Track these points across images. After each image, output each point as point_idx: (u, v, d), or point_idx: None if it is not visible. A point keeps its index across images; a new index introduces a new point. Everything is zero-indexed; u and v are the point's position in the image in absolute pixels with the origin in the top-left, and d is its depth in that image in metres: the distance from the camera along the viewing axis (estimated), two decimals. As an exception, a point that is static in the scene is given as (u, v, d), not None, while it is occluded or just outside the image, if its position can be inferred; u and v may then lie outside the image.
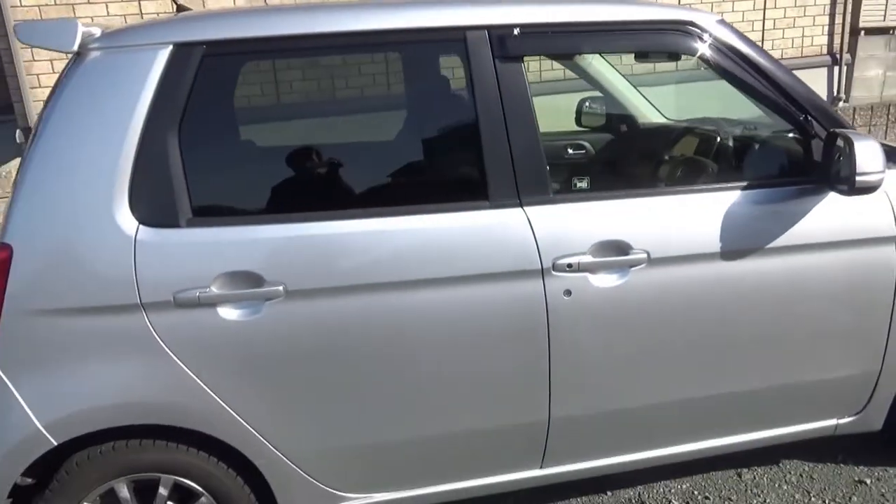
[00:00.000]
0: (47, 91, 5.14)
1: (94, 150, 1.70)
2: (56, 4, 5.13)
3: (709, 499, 2.37)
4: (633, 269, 1.95)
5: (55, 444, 1.77)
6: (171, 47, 1.72)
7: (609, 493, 2.42)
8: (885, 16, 7.55)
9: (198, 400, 1.81)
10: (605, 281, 1.94)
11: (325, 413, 1.90)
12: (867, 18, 7.42)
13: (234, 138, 1.99)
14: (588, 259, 1.92)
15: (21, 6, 5.03)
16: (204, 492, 1.91)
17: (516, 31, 1.85)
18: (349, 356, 1.86)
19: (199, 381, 1.80)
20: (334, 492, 1.99)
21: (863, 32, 7.46)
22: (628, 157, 2.54)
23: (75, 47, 1.69)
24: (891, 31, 7.72)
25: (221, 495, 1.93)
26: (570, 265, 1.91)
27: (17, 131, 5.51)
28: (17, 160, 5.35)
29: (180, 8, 2.18)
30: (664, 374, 2.06)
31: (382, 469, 2.02)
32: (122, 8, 5.29)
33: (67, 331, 1.74)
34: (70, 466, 1.82)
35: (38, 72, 5.34)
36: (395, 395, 1.92)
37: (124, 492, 1.87)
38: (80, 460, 1.82)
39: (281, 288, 1.78)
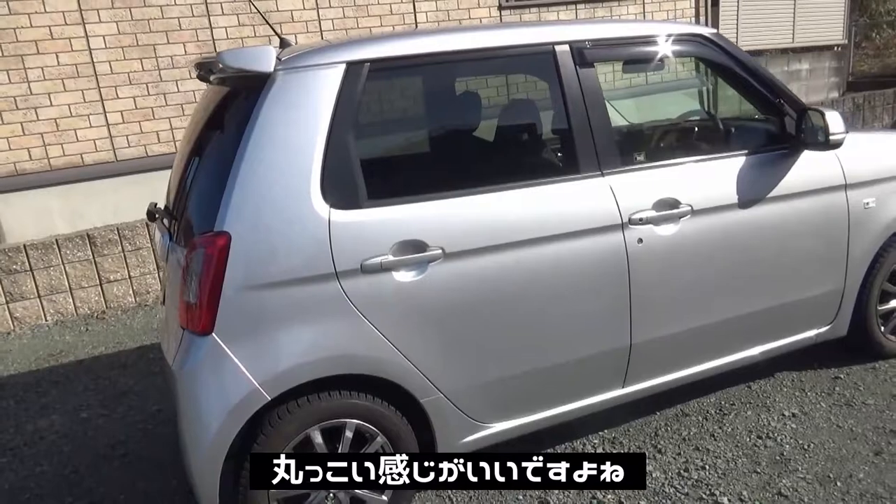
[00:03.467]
0: None
1: (292, 152, 2.09)
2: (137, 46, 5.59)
3: (734, 405, 3.01)
4: (682, 219, 2.57)
5: (269, 398, 2.09)
6: (344, 65, 2.15)
7: (657, 413, 3.00)
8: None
9: (382, 352, 2.20)
10: (665, 230, 2.55)
11: (474, 353, 2.34)
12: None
13: (394, 135, 2.41)
14: (652, 213, 2.51)
15: None
16: (379, 433, 2.28)
17: (588, 44, 2.45)
18: (491, 304, 2.33)
19: (382, 335, 2.19)
20: (475, 422, 2.43)
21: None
22: (668, 137, 3.19)
23: (272, 69, 2.08)
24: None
25: (392, 435, 2.30)
26: (641, 219, 2.49)
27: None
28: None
29: (283, 42, 2.57)
30: (709, 301, 2.68)
31: (508, 400, 2.47)
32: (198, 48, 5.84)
33: (276, 301, 2.08)
34: (273, 420, 2.14)
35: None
36: (523, 334, 2.40)
37: (318, 438, 2.21)
38: (282, 413, 2.14)
39: (440, 251, 2.23)
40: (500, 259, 2.31)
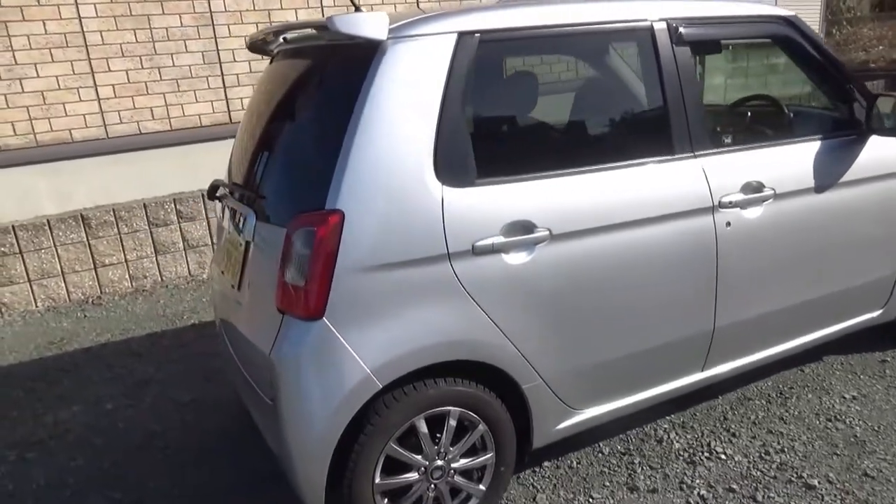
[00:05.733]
0: None
1: (405, 127, 1.97)
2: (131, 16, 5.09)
3: (793, 389, 3.04)
4: (765, 202, 2.56)
5: (381, 386, 1.98)
6: (456, 35, 2.04)
7: (720, 397, 3.00)
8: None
9: (490, 336, 2.12)
10: (751, 213, 2.53)
11: (574, 338, 2.28)
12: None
13: (501, 111, 2.30)
14: (740, 197, 2.49)
15: None
16: (481, 420, 2.20)
17: (684, 23, 2.39)
18: (592, 287, 2.26)
19: (491, 319, 2.10)
20: (569, 408, 2.37)
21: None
22: (748, 120, 3.15)
23: (385, 36, 1.95)
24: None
25: (493, 423, 2.22)
26: (730, 202, 2.47)
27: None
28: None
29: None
30: (786, 285, 2.69)
31: (600, 385, 2.42)
32: (195, 20, 5.54)
33: (388, 284, 1.97)
34: (380, 409, 2.03)
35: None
36: (619, 319, 2.35)
37: (423, 427, 2.11)
38: (389, 402, 2.04)
39: (548, 232, 2.15)
40: (602, 241, 2.25)
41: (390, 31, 1.99)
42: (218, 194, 2.58)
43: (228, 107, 5.81)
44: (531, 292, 2.16)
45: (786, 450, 2.61)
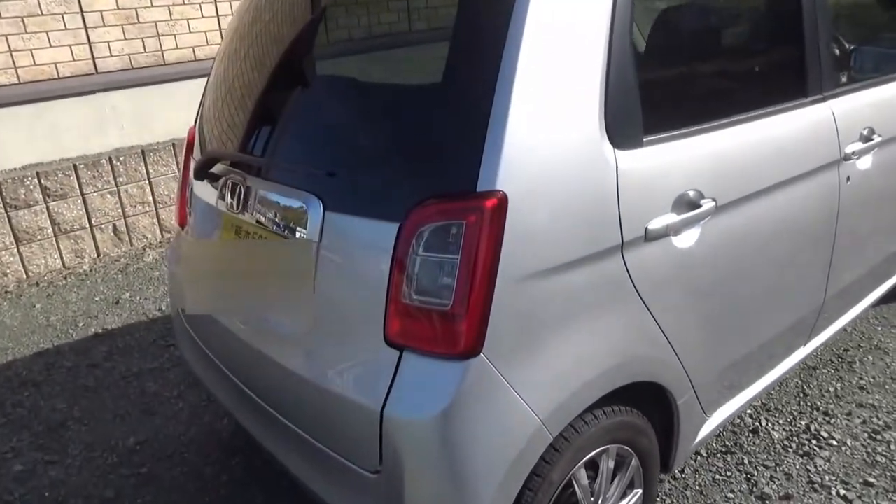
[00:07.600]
0: None
1: (571, 69, 1.34)
2: None
3: (849, 351, 2.83)
4: (873, 151, 2.22)
5: (552, 439, 1.40)
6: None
7: (784, 369, 2.71)
8: None
9: (656, 346, 1.59)
10: (863, 164, 2.18)
11: (728, 332, 1.83)
12: None
13: (666, 40, 1.70)
14: (859, 146, 2.13)
15: None
16: (633, 454, 1.69)
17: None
18: (749, 267, 1.81)
19: (657, 324, 1.58)
20: (704, 415, 1.92)
21: None
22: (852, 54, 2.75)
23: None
24: None
25: (644, 454, 1.72)
26: (852, 153, 2.10)
27: None
28: None
29: None
30: (882, 239, 2.41)
31: (730, 384, 1.99)
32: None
33: (554, 294, 1.37)
34: (541, 468, 1.44)
35: None
36: (765, 302, 1.93)
37: (584, 479, 1.56)
38: (549, 456, 1.46)
39: (713, 204, 1.64)
40: (755, 210, 1.78)
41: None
42: (215, 171, 1.77)
43: (93, 53, 4.63)
44: (694, 282, 1.66)
45: (891, 426, 2.37)
